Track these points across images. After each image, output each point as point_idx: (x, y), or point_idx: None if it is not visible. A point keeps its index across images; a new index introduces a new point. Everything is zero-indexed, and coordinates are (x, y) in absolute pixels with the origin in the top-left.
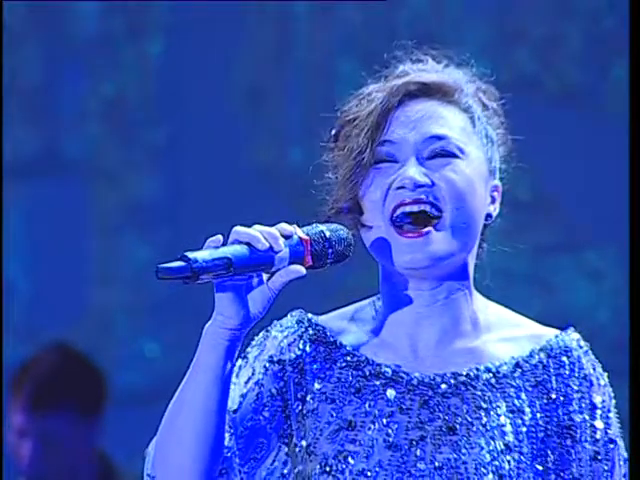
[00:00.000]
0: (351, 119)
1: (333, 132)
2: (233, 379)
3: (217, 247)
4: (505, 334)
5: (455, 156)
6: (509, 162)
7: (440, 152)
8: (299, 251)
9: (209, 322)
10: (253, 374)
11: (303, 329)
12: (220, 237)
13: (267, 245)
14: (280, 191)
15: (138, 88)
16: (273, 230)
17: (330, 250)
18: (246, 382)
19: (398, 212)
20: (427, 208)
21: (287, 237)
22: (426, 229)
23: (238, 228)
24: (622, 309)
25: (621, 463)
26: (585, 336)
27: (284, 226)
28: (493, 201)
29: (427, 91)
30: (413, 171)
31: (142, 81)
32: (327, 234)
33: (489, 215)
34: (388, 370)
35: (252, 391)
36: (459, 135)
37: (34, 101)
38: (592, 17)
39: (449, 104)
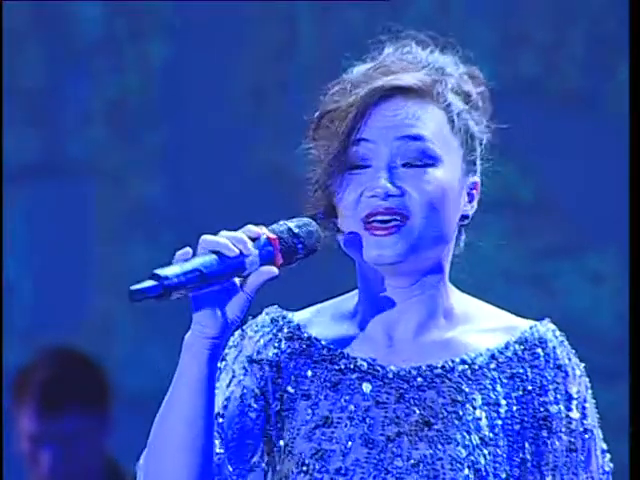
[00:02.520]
0: (330, 109)
1: (315, 118)
2: (216, 384)
3: (187, 259)
4: (481, 326)
5: (429, 165)
6: (500, 161)
7: (414, 160)
8: (269, 251)
9: (188, 332)
10: (234, 376)
11: (278, 328)
12: (189, 249)
13: (237, 251)
14: (285, 192)
15: (141, 90)
16: (240, 234)
17: (300, 245)
18: (227, 385)
19: (370, 219)
20: (397, 217)
21: (255, 239)
22: (393, 226)
23: (205, 237)
24: (623, 312)
25: (598, 454)
26: (586, 339)
27: (251, 228)
28: (471, 199)
29: (404, 91)
30: (384, 180)
31: (145, 83)
32: (295, 230)
33: (465, 216)
34: (364, 364)
35: (235, 393)
36: (435, 139)
37: (37, 103)
38: (595, 20)
39: (428, 103)
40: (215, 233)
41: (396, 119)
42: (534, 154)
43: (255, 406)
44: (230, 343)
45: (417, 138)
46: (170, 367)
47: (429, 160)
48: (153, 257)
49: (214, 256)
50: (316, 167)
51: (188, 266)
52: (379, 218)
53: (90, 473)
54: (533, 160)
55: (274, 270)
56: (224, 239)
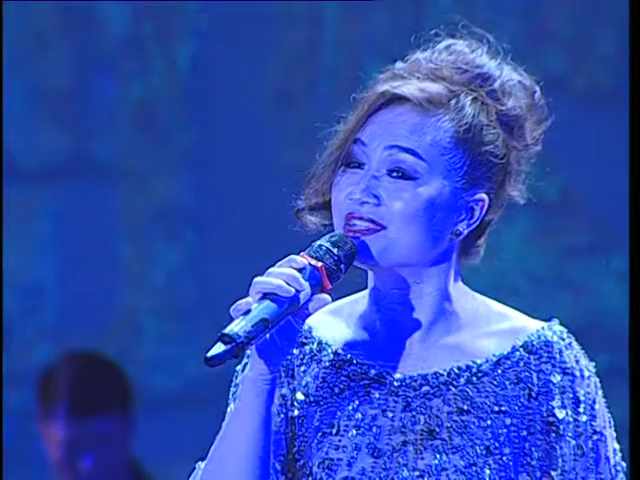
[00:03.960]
0: (359, 98)
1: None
2: (237, 393)
3: (248, 310)
4: (488, 328)
5: (412, 179)
6: (535, 165)
7: (398, 171)
8: (317, 279)
9: (246, 369)
10: None
11: None
12: (250, 300)
13: (293, 291)
14: None
15: (168, 91)
16: (291, 271)
17: (342, 266)
18: None
19: (348, 221)
20: (370, 225)
21: (301, 270)
22: (366, 230)
23: (259, 279)
24: None
25: (609, 454)
26: (613, 340)
27: (295, 258)
28: (471, 216)
29: (409, 99)
30: (364, 186)
31: (172, 84)
32: (334, 251)
33: (458, 232)
34: (372, 371)
35: None
36: (427, 154)
37: (64, 104)
38: (622, 17)
39: (433, 115)
40: (261, 273)
41: (392, 127)
42: (560, 153)
43: (282, 416)
44: (248, 352)
45: (405, 150)
46: (196, 369)
47: (413, 174)
48: (180, 258)
49: (271, 300)
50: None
51: (253, 318)
52: (355, 222)
53: (118, 477)
54: (560, 159)
55: (328, 298)
56: (278, 280)
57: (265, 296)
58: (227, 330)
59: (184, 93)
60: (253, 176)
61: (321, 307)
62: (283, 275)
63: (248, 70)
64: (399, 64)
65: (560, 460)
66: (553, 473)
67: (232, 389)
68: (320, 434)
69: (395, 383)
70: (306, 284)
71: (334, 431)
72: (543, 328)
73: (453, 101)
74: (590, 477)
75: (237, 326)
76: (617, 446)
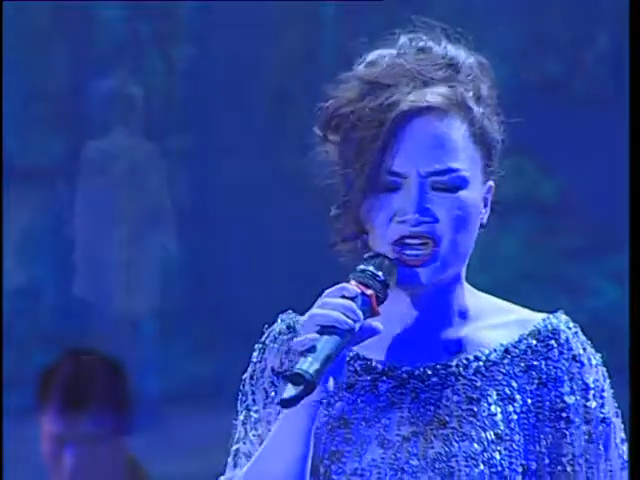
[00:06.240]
0: (344, 112)
1: (325, 115)
2: (248, 401)
3: (312, 346)
4: (494, 321)
5: (460, 188)
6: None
7: (446, 185)
8: (368, 306)
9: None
10: (267, 396)
11: (294, 334)
12: (317, 336)
13: (352, 323)
14: (306, 195)
15: (164, 92)
16: (348, 303)
17: (387, 291)
18: (264, 407)
19: (399, 242)
20: (428, 242)
21: (353, 298)
22: (424, 260)
23: (316, 312)
24: None
25: (617, 442)
26: (611, 340)
27: (347, 287)
28: (486, 204)
29: (429, 109)
30: (415, 207)
31: (169, 85)
32: (379, 274)
33: (483, 225)
34: (379, 365)
35: (272, 415)
36: (464, 162)
37: (60, 105)
38: (619, 19)
39: (452, 119)
40: (312, 303)
41: (421, 148)
42: (557, 154)
43: None
44: (254, 359)
45: (442, 172)
46: (194, 368)
47: (459, 185)
48: (176, 259)
49: (331, 334)
50: (336, 176)
51: (320, 356)
52: (408, 241)
53: (111, 475)
54: (556, 160)
55: (381, 327)
56: (337, 313)
57: (323, 329)
58: (301, 371)
59: (182, 94)
60: (251, 177)
61: (374, 335)
62: (340, 307)
63: (245, 71)
64: (366, 70)
65: (570, 446)
66: (563, 459)
67: (241, 397)
68: (329, 428)
69: (403, 376)
70: (360, 313)
71: (342, 424)
72: (549, 317)
73: (457, 99)
74: (600, 463)
75: (306, 364)
76: (623, 435)
